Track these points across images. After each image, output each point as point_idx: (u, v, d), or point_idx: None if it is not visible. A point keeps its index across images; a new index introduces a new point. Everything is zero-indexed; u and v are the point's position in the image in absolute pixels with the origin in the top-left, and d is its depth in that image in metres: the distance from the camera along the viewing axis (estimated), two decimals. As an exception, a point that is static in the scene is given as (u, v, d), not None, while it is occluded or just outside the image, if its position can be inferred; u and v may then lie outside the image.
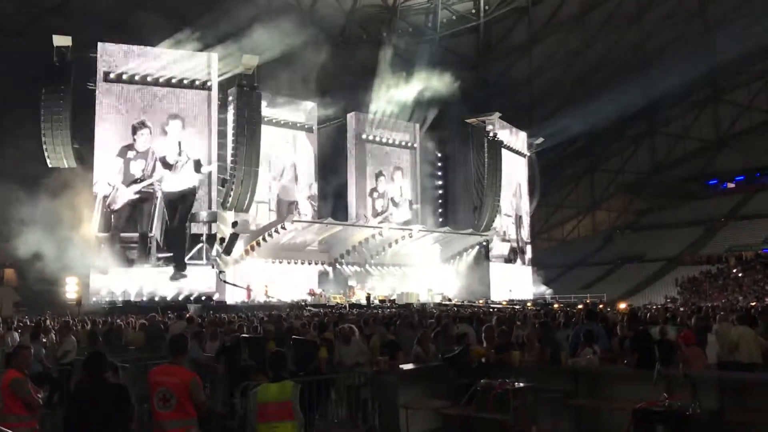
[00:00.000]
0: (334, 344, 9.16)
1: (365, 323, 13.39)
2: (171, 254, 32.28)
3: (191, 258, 32.82)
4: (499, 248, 46.30)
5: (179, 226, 32.83)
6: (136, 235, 31.85)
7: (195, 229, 33.23)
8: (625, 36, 50.06)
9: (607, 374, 7.44)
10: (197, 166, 33.66)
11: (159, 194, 32.61)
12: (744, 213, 54.79)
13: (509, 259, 47.08)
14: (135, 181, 32.38)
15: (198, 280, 32.51)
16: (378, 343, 10.28)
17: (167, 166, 33.15)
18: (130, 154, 32.51)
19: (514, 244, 48.26)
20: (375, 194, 43.54)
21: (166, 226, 32.55)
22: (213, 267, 33.21)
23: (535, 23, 50.57)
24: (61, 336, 11.71)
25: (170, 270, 32.08)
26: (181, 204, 33.11)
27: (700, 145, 60.68)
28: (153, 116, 33.23)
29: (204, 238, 33.11)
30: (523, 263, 48.85)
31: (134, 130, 32.73)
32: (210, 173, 33.80)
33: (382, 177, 43.88)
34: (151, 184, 32.64)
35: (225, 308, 28.92)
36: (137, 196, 32.25)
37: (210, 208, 33.58)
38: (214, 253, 33.21)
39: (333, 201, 41.88)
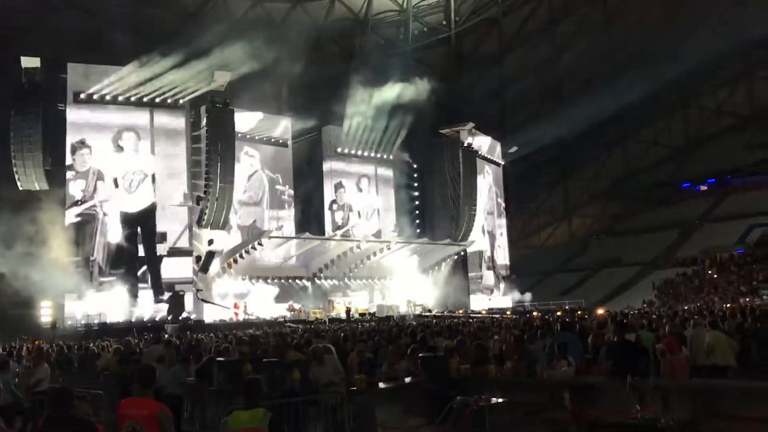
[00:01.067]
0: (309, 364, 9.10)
1: (344, 339, 13.34)
2: (121, 273, 31.78)
3: (155, 279, 32.42)
4: (487, 278, 46.86)
5: (143, 244, 32.48)
6: (79, 258, 31.38)
7: (161, 249, 32.99)
8: (594, 44, 50.80)
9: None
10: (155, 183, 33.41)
11: (100, 215, 32.04)
12: (717, 215, 55.66)
13: (491, 289, 47.66)
14: (75, 203, 31.86)
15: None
16: (356, 360, 10.23)
17: (118, 184, 32.73)
18: (69, 174, 31.97)
19: (501, 271, 48.79)
20: (334, 206, 43.54)
21: (118, 247, 31.98)
22: (193, 286, 33.02)
23: (505, 34, 51.16)
24: (35, 363, 11.45)
25: (123, 292, 31.69)
26: (140, 224, 32.75)
27: (671, 150, 61.65)
28: (109, 134, 32.95)
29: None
30: (498, 282, 49.37)
31: (73, 150, 32.24)
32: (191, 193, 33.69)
33: (341, 189, 43.83)
34: (93, 206, 32.16)
35: (203, 328, 28.65)
36: (78, 219, 31.71)
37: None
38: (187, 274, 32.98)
39: (310, 215, 41.83)
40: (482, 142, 48.40)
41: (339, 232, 42.44)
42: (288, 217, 40.73)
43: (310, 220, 41.41)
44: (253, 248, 33.84)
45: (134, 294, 31.92)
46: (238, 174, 35.36)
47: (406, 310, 39.75)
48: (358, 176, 45.03)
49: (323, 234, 40.82)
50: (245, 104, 36.66)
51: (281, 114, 40.39)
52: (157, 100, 33.92)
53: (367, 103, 41.54)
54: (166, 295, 32.18)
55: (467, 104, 49.22)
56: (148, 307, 31.89)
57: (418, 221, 48.04)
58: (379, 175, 46.11)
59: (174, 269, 33.08)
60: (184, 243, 34.04)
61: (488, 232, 49.38)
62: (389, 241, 40.31)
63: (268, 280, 37.39)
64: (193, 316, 32.16)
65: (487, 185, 49.96)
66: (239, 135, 36.05)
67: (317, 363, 8.77)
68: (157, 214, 33.53)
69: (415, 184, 48.71)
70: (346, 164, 44.31)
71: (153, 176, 33.95)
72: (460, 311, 39.92)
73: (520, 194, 54.77)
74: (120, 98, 33.04)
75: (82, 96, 32.43)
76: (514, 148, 50.26)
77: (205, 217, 32.67)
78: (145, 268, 32.75)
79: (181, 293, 32.22)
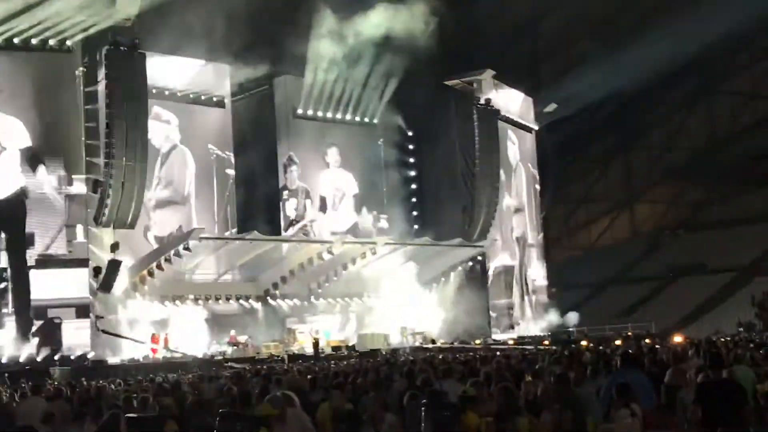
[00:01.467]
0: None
1: (312, 385, 13.30)
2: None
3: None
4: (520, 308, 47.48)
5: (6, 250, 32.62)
6: None
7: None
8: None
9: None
10: (31, 160, 33.15)
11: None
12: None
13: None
14: None
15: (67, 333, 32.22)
16: (328, 415, 10.22)
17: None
18: None
19: (541, 297, 49.83)
20: (284, 193, 43.44)
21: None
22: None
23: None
24: None
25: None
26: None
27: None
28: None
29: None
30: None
31: None
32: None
33: (293, 166, 43.82)
34: None
35: (106, 372, 28.54)
36: None
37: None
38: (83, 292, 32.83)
39: (259, 208, 41.66)
40: (507, 98, 48.48)
41: (294, 229, 42.28)
42: (228, 208, 40.74)
43: (256, 213, 41.28)
44: (178, 255, 33.71)
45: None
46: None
47: (399, 340, 39.83)
48: (326, 149, 44.99)
49: (278, 233, 40.70)
50: (161, 46, 36.47)
51: (214, 60, 40.17)
52: (34, 41, 33.77)
53: (339, 41, 41.45)
54: (37, 325, 32.00)
55: (485, 43, 49.11)
56: (12, 343, 31.76)
57: (415, 213, 48.12)
58: (357, 147, 46.14)
59: (47, 286, 32.98)
60: (60, 249, 34.15)
61: (517, 238, 49.66)
62: (374, 243, 40.40)
63: (200, 302, 37.35)
64: (90, 355, 32.04)
65: (513, 160, 50.17)
66: (153, 91, 35.89)
67: (277, 422, 8.76)
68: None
69: (411, 160, 48.93)
70: (309, 131, 44.22)
71: (27, 151, 33.58)
72: (477, 342, 40.12)
73: (561, 173, 54.91)
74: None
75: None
76: (553, 106, 50.40)
77: (106, 211, 32.52)
78: (5, 285, 32.53)
79: (57, 321, 32.08)
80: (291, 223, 43.17)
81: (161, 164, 38.85)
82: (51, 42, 34.22)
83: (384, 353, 34.29)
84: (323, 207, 44.82)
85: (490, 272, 46.99)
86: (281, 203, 43.25)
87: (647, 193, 64.74)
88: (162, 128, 38.76)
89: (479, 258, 45.19)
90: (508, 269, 48.64)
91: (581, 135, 57.45)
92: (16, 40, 33.65)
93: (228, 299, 38.51)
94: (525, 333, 46.41)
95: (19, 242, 33.38)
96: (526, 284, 50.38)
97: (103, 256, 33.73)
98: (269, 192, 42.84)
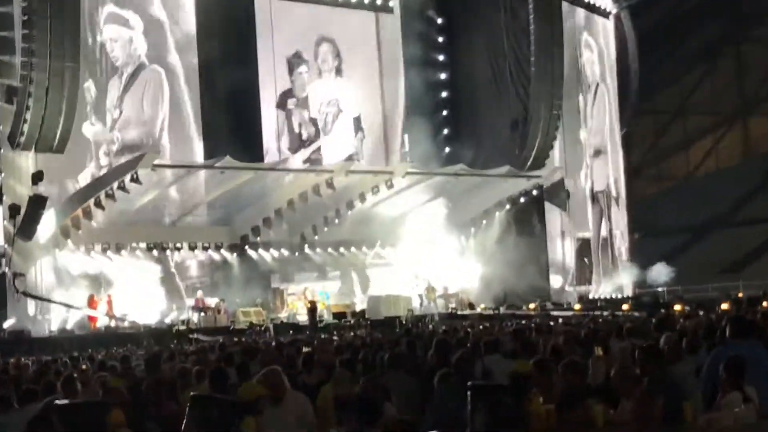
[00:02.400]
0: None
1: (306, 362, 13.40)
2: None
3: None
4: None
5: None
6: None
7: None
8: None
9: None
10: None
11: None
12: None
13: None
14: None
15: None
16: (331, 401, 10.34)
17: None
18: None
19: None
20: (291, 103, 43.56)
21: None
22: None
23: None
24: None
25: None
26: None
27: None
28: None
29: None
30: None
31: None
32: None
33: (302, 67, 44.06)
34: None
35: (29, 344, 28.85)
36: None
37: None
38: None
39: (232, 125, 41.63)
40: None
41: (296, 156, 42.30)
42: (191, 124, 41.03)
43: (232, 134, 41.29)
44: (123, 189, 33.84)
45: None
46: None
47: (424, 305, 40.02)
48: (323, 45, 44.95)
49: (261, 160, 40.74)
50: None
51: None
52: None
53: None
54: None
55: None
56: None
57: (446, 131, 47.99)
58: (364, 42, 46.04)
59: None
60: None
61: (596, 194, 49.46)
62: (391, 172, 40.34)
63: (154, 253, 37.66)
64: (7, 324, 32.50)
65: (591, 77, 49.80)
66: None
67: (271, 403, 8.84)
68: None
69: (440, 58, 48.88)
70: (303, 20, 44.12)
71: None
72: (532, 306, 40.28)
73: (649, 73, 54.41)
74: None
75: None
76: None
77: (26, 128, 32.71)
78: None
79: None
80: (301, 144, 43.45)
81: (123, 91, 39.04)
82: None
83: (404, 322, 34.52)
84: (327, 123, 45.31)
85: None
86: (287, 115, 43.61)
87: (766, 102, 64.24)
88: (120, 35, 38.96)
89: (536, 193, 45.13)
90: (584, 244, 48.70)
91: (677, 21, 56.95)
92: None
93: (192, 248, 38.86)
94: (597, 294, 46.48)
95: None
96: (612, 246, 50.55)
97: (23, 190, 33.86)
98: (248, 105, 42.66)
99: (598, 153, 50.95)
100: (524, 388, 8.86)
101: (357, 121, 46.04)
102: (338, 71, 45.91)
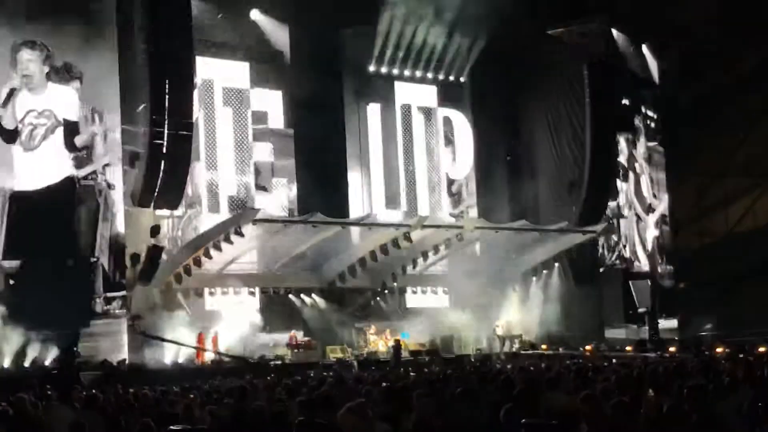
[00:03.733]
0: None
1: (387, 396, 13.33)
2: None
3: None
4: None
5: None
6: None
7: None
8: None
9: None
10: (69, 132, 33.64)
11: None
12: None
13: None
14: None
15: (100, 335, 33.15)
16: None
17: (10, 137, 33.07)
18: None
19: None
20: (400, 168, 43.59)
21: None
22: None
23: None
24: None
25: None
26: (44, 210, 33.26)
27: None
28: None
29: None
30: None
31: None
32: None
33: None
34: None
35: (144, 376, 29.38)
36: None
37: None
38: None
39: (320, 186, 41.89)
40: (625, 49, 47.71)
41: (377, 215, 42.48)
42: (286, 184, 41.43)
43: (319, 191, 41.52)
44: (228, 241, 34.12)
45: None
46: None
47: (491, 345, 39.82)
48: (401, 113, 45.50)
49: (346, 215, 40.87)
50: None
51: (270, 9, 40.51)
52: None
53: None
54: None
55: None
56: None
57: (510, 190, 47.80)
58: (438, 111, 46.55)
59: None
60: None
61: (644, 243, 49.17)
62: (461, 227, 40.26)
63: (255, 295, 38.23)
64: (125, 359, 32.86)
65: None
66: (199, 41, 36.30)
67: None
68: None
69: (506, 124, 48.64)
70: (379, 93, 44.68)
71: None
72: (588, 347, 39.92)
73: (692, 139, 53.78)
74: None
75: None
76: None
77: (146, 187, 33.03)
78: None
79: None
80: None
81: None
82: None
83: (473, 359, 34.30)
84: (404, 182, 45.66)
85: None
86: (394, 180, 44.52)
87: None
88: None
89: (590, 245, 44.88)
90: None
91: (717, 92, 56.32)
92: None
93: (287, 292, 39.08)
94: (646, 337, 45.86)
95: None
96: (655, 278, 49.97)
97: (142, 241, 34.44)
98: (333, 165, 42.92)
99: (647, 210, 50.47)
100: (574, 424, 8.78)
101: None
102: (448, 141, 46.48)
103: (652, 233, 51.21)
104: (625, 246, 48.66)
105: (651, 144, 51.92)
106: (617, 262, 48.41)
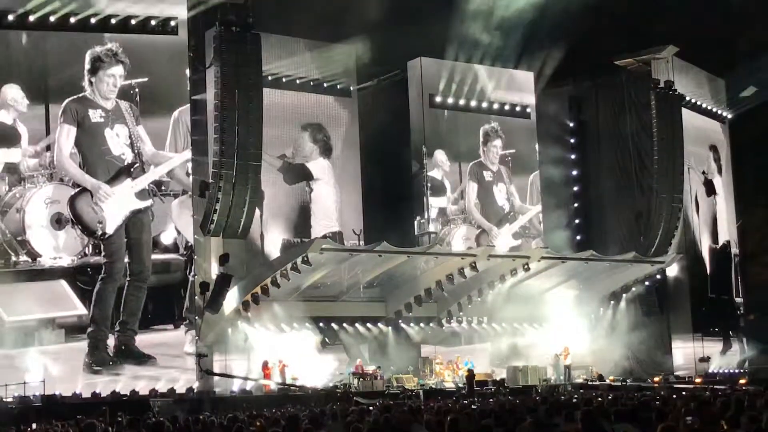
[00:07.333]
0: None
1: (452, 426, 13.27)
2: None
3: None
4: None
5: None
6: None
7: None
8: None
9: None
10: (135, 169, 34.23)
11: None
12: None
13: None
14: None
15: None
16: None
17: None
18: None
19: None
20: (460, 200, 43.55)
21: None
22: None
23: None
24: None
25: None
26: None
27: None
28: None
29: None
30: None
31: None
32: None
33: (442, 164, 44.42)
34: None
35: (213, 403, 29.47)
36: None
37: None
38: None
39: (387, 215, 42.01)
40: (692, 81, 47.35)
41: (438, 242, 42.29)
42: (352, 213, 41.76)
43: (385, 220, 41.69)
44: (295, 270, 34.25)
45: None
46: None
47: (558, 376, 39.52)
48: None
49: (412, 244, 40.86)
50: (276, 26, 37.37)
51: (338, 41, 40.76)
52: (134, 21, 34.47)
53: (488, 13, 41.43)
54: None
55: (663, 12, 48.13)
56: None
57: (577, 221, 47.62)
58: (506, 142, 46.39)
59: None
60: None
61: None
62: (528, 257, 40.06)
63: (321, 324, 38.00)
64: (195, 386, 33.15)
65: (697, 158, 48.99)
66: (268, 78, 36.92)
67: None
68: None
69: (572, 157, 48.77)
70: (450, 123, 44.62)
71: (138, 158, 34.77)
72: (657, 379, 39.31)
73: (762, 171, 53.17)
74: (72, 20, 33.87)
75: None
76: (751, 90, 48.93)
77: (215, 217, 33.31)
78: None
79: None
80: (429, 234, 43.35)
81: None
82: (153, 23, 34.84)
83: (540, 390, 34.02)
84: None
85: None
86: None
87: None
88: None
89: (657, 277, 44.38)
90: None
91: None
92: (113, 21, 34.35)
93: (353, 322, 39.00)
94: (714, 369, 45.14)
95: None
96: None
97: (211, 270, 34.73)
98: (400, 196, 43.10)
99: (715, 240, 49.93)
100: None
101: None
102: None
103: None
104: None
105: (718, 175, 51.40)
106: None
